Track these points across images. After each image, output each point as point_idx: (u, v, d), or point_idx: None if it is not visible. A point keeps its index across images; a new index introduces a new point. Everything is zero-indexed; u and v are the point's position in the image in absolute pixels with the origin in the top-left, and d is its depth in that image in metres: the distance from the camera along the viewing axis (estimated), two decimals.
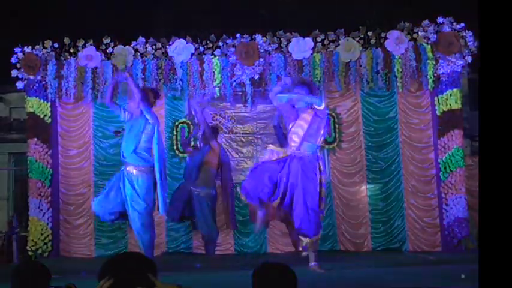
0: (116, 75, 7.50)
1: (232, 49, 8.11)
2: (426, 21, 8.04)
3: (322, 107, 5.99)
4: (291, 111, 6.08)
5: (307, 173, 5.90)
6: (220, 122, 8.81)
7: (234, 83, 8.22)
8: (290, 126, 6.06)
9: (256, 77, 8.10)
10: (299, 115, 6.02)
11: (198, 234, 8.55)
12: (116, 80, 6.94)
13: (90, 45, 8.37)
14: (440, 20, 7.94)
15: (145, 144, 6.54)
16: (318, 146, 6.14)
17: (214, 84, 8.22)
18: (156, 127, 6.56)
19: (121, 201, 6.55)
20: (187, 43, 8.23)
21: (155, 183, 6.49)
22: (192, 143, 8.46)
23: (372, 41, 8.08)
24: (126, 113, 6.80)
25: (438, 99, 8.11)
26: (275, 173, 5.91)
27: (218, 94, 8.35)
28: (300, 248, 6.20)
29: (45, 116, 8.52)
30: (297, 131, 5.97)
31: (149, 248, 6.52)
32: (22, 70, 8.35)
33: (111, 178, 6.93)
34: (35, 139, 8.46)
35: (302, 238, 5.96)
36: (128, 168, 6.52)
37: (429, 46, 7.97)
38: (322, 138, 6.15)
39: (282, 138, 7.25)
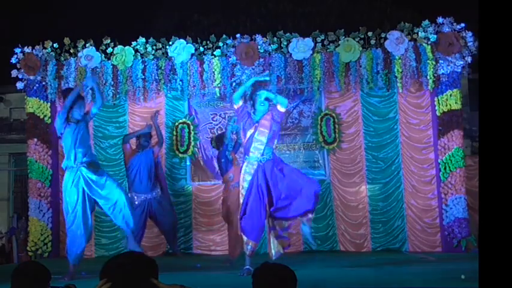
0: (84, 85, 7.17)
1: (232, 49, 8.11)
2: (426, 22, 8.05)
3: (284, 109, 5.97)
4: (249, 121, 5.99)
5: (282, 167, 5.89)
6: (220, 122, 8.81)
7: (234, 84, 8.22)
8: (249, 134, 5.93)
9: None
10: (259, 122, 5.94)
11: (198, 235, 8.57)
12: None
13: (90, 45, 8.37)
14: (440, 20, 7.95)
15: (85, 142, 6.31)
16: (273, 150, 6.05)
17: (214, 84, 8.22)
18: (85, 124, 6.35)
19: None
20: (187, 43, 8.23)
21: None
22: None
23: (372, 42, 8.09)
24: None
25: (438, 100, 8.11)
26: (262, 200, 5.83)
27: (218, 94, 8.35)
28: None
29: (45, 116, 8.53)
30: (260, 139, 5.88)
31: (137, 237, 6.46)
32: (22, 70, 8.36)
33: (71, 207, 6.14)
34: (35, 139, 8.46)
35: (308, 216, 5.86)
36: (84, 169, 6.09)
37: (429, 46, 7.97)
38: (276, 140, 6.10)
39: (225, 166, 7.30)
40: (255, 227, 5.84)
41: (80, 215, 5.93)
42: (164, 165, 8.65)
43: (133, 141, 7.82)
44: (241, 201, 5.88)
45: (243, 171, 5.95)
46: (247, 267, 5.80)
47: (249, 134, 5.91)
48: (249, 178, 5.85)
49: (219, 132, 8.35)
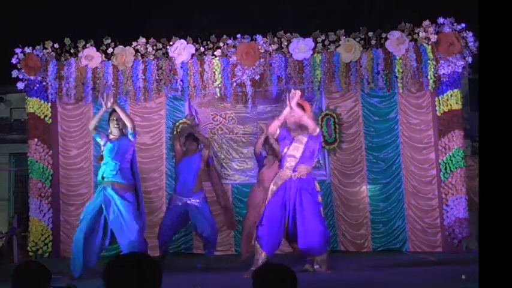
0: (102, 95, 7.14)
1: (233, 49, 8.11)
2: (427, 22, 8.04)
3: (317, 133, 6.01)
4: (287, 136, 6.07)
5: (306, 194, 5.91)
6: (220, 122, 8.81)
7: (235, 84, 8.22)
8: (285, 150, 6.03)
9: (257, 77, 8.10)
10: (294, 138, 6.03)
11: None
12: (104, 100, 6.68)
13: (91, 45, 8.38)
14: (440, 20, 7.95)
15: (127, 165, 6.36)
16: (312, 168, 6.12)
17: (215, 84, 8.22)
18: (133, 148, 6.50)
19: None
20: (187, 43, 8.23)
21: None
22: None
23: (373, 42, 8.09)
24: (103, 134, 6.53)
25: (439, 100, 8.11)
26: (282, 213, 5.90)
27: (219, 94, 8.35)
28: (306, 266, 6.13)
29: (45, 116, 8.54)
30: (293, 154, 5.97)
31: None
32: (23, 71, 8.37)
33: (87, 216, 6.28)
34: (36, 140, 8.47)
35: (308, 258, 5.98)
36: (113, 187, 6.19)
37: (430, 47, 7.97)
38: (316, 159, 6.14)
39: (261, 163, 7.26)
40: (270, 240, 5.89)
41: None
42: (165, 166, 8.66)
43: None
44: (262, 210, 6.01)
45: (273, 182, 6.03)
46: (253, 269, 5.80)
47: (285, 149, 6.01)
48: (274, 189, 5.94)
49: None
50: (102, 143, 6.39)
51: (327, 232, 6.00)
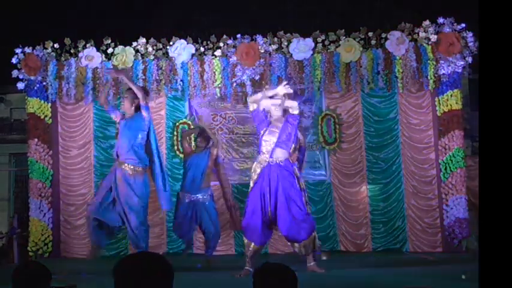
0: (109, 73, 7.51)
1: (233, 50, 8.11)
2: (427, 22, 8.05)
3: (297, 112, 5.98)
4: (263, 119, 6.05)
5: (285, 180, 5.86)
6: (220, 122, 8.81)
7: (235, 84, 8.23)
8: (262, 133, 6.01)
9: (257, 77, 8.11)
10: (271, 122, 6.01)
11: (199, 235, 8.55)
12: (111, 78, 6.88)
13: (91, 45, 8.38)
14: (440, 20, 7.95)
15: (141, 141, 6.52)
16: (290, 153, 6.05)
17: (215, 84, 8.23)
18: (151, 123, 6.60)
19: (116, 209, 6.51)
20: (187, 44, 8.24)
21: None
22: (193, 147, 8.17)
23: (373, 42, 8.09)
24: (118, 113, 6.77)
25: (439, 100, 8.12)
26: (263, 201, 5.86)
27: (219, 95, 8.35)
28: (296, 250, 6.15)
29: (45, 116, 8.54)
30: (269, 139, 5.94)
31: (147, 246, 6.53)
32: (23, 71, 8.37)
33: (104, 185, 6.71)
34: (36, 140, 8.47)
35: (291, 244, 5.98)
36: (123, 167, 6.47)
37: (430, 47, 7.98)
38: (293, 144, 6.05)
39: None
40: (255, 230, 5.86)
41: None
42: (165, 166, 8.66)
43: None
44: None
45: (252, 170, 6.01)
46: (247, 268, 5.81)
47: (262, 132, 6.01)
48: (255, 177, 5.90)
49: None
50: (117, 120, 6.67)
51: (309, 218, 5.91)
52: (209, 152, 7.66)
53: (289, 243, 7.40)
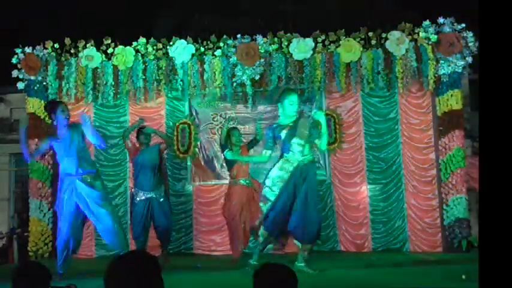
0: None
1: (233, 49, 8.11)
2: (427, 22, 8.04)
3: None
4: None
5: (310, 182, 5.96)
6: (220, 122, 8.81)
7: (235, 84, 8.23)
8: (284, 133, 6.05)
9: (257, 77, 8.10)
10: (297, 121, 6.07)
11: (199, 235, 8.57)
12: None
13: (91, 45, 8.38)
14: (441, 20, 7.95)
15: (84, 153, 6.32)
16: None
17: (215, 84, 8.22)
18: (80, 131, 6.20)
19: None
20: (188, 44, 8.23)
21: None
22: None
23: (373, 42, 8.09)
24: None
25: (439, 100, 8.12)
26: (292, 201, 5.94)
27: (219, 95, 8.35)
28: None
29: (45, 116, 8.51)
30: (300, 138, 6.00)
31: (125, 246, 6.38)
32: (23, 71, 8.37)
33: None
34: (36, 140, 8.46)
35: (295, 241, 6.04)
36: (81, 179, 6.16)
37: (430, 47, 7.97)
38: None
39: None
40: (278, 224, 5.96)
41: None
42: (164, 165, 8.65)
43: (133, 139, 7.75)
44: (267, 195, 5.99)
45: (277, 167, 6.00)
46: (255, 263, 5.95)
47: (284, 133, 6.01)
48: (286, 176, 5.92)
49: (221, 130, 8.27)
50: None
51: (318, 225, 6.02)
52: (158, 147, 7.56)
53: (291, 244, 7.45)
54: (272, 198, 5.95)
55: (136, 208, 7.38)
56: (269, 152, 6.16)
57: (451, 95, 8.01)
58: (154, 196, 7.39)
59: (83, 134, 6.15)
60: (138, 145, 7.57)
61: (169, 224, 7.51)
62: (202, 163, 8.79)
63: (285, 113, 6.10)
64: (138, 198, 7.40)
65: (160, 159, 7.53)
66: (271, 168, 6.11)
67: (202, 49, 8.26)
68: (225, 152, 7.27)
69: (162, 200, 7.44)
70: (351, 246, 8.44)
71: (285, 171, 5.95)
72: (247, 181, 7.40)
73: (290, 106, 6.03)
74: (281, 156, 6.07)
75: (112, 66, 8.32)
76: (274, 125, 6.22)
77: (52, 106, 6.28)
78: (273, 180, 5.97)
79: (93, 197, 6.09)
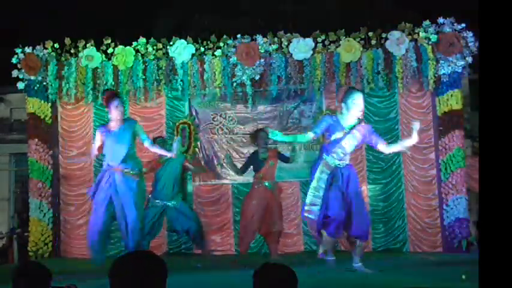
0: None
1: (233, 49, 8.11)
2: (427, 22, 8.04)
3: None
4: (336, 124, 6.08)
5: (355, 182, 6.06)
6: (220, 122, 8.81)
7: (235, 84, 8.23)
8: (334, 137, 6.01)
9: (257, 77, 8.11)
10: (350, 130, 6.03)
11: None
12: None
13: (91, 45, 8.38)
14: (441, 20, 7.94)
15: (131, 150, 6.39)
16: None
17: (215, 84, 8.23)
18: (134, 129, 6.39)
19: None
20: (188, 44, 8.24)
21: None
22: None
23: (373, 42, 8.09)
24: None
25: (439, 100, 8.12)
26: (342, 200, 5.96)
27: (219, 94, 8.35)
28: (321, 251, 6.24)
29: (45, 116, 8.54)
30: (350, 140, 6.02)
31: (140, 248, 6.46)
32: (23, 71, 8.37)
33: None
34: (36, 140, 8.47)
35: (358, 242, 6.04)
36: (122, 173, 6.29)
37: (430, 47, 7.97)
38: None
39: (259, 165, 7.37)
40: (341, 229, 6.01)
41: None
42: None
43: None
44: (311, 199, 5.97)
45: (318, 171, 6.01)
46: (331, 258, 6.15)
47: (333, 137, 6.00)
48: (325, 177, 5.95)
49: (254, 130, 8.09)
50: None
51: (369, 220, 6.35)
52: (182, 159, 7.63)
53: (291, 244, 7.43)
54: (318, 202, 5.95)
55: (147, 212, 7.25)
56: (312, 135, 6.07)
57: (451, 95, 8.01)
58: (171, 205, 7.41)
59: (136, 133, 6.32)
60: (157, 158, 7.48)
61: (195, 225, 7.49)
62: (202, 163, 8.79)
63: (349, 113, 5.99)
64: (150, 205, 7.39)
65: (182, 170, 7.60)
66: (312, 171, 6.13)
67: (202, 49, 8.26)
68: (271, 133, 6.96)
69: (179, 205, 7.46)
70: (351, 246, 8.41)
71: (325, 174, 5.98)
72: (270, 184, 7.38)
73: (354, 105, 5.95)
74: (320, 158, 6.09)
75: (112, 66, 8.33)
76: (334, 118, 6.10)
77: (107, 96, 6.36)
78: (317, 184, 5.99)
79: (127, 194, 6.16)
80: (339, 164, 5.98)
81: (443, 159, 8.06)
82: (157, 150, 6.66)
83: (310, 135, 6.08)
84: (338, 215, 5.90)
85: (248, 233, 7.33)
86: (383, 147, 6.20)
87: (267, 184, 7.33)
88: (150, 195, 7.48)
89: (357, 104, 5.93)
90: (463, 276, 5.05)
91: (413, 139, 6.08)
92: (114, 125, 6.32)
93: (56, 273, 2.88)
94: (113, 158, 6.24)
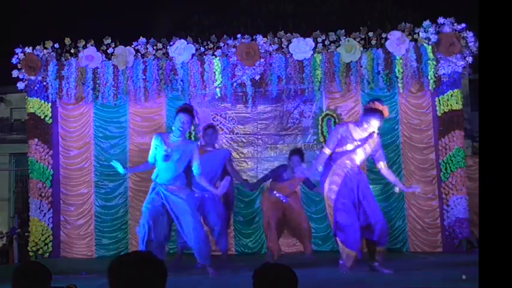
0: None
1: (233, 49, 8.11)
2: (427, 22, 8.04)
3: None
4: (349, 136, 6.04)
5: (368, 187, 6.08)
6: (221, 122, 8.81)
7: (235, 84, 8.22)
8: (350, 147, 5.98)
9: (257, 77, 8.10)
10: (362, 142, 6.00)
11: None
12: None
13: (91, 45, 8.38)
14: (441, 20, 7.94)
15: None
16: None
17: (215, 84, 8.22)
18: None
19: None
20: (188, 43, 8.23)
21: None
22: None
23: (373, 42, 8.08)
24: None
25: (439, 100, 8.11)
26: (355, 209, 5.95)
27: (219, 95, 8.35)
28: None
29: (46, 116, 8.53)
30: (359, 152, 6.00)
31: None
32: (23, 71, 8.36)
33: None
34: (36, 140, 8.47)
35: (378, 248, 6.00)
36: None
37: (430, 47, 7.97)
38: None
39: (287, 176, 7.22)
40: (356, 238, 5.91)
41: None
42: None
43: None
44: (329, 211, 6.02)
45: (329, 179, 6.00)
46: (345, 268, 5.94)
47: (343, 148, 5.98)
48: (335, 188, 5.95)
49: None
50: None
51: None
52: (227, 153, 7.35)
53: (291, 244, 7.41)
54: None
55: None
56: (328, 151, 6.06)
57: (451, 95, 8.02)
58: (208, 195, 6.92)
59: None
60: (203, 144, 7.10)
61: (223, 223, 7.15)
62: None
63: (364, 129, 5.97)
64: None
65: (223, 168, 7.09)
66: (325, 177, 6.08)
67: (202, 49, 8.25)
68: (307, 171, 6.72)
69: (215, 199, 7.00)
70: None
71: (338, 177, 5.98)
72: (283, 198, 7.21)
73: (370, 126, 5.93)
74: (327, 167, 6.05)
75: (112, 66, 8.32)
76: (345, 128, 6.04)
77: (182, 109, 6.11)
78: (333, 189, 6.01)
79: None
80: (348, 173, 5.96)
81: (443, 159, 8.06)
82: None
83: (326, 151, 6.05)
84: (356, 224, 5.89)
85: (269, 236, 7.20)
86: (381, 166, 6.14)
87: (283, 199, 7.18)
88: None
89: (372, 126, 5.92)
90: (463, 277, 5.06)
91: (403, 189, 6.39)
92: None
93: (56, 273, 2.88)
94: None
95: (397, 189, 6.54)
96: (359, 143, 5.97)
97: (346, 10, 13.23)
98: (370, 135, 5.97)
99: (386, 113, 5.96)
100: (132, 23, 12.16)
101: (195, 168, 5.93)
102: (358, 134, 5.97)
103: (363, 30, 8.12)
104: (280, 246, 7.43)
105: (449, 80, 7.97)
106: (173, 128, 5.94)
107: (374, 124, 5.89)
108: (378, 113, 5.88)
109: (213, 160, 6.93)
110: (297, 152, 7.33)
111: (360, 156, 5.99)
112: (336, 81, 8.15)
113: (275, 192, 7.23)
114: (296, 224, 7.27)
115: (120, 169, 6.01)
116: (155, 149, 5.93)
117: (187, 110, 5.97)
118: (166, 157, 5.83)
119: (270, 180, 7.40)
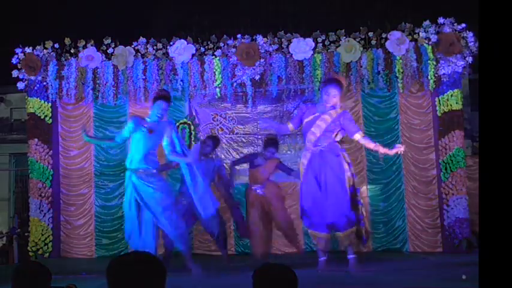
0: None
1: (233, 50, 8.11)
2: (427, 22, 8.04)
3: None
4: (309, 111, 6.20)
5: (333, 166, 5.99)
6: (220, 122, 8.81)
7: (235, 84, 8.22)
8: (305, 121, 6.14)
9: (257, 77, 8.10)
10: (319, 115, 6.10)
11: (199, 235, 8.55)
12: None
13: (91, 45, 8.38)
14: (441, 20, 7.94)
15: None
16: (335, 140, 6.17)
17: (215, 84, 8.22)
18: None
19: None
20: (188, 44, 8.23)
21: None
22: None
23: (373, 42, 8.08)
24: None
25: (439, 100, 8.11)
26: (319, 188, 5.96)
27: (219, 95, 8.35)
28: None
29: (46, 116, 8.53)
30: (315, 131, 6.05)
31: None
32: (23, 71, 8.37)
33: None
34: (36, 140, 8.47)
35: (336, 233, 6.02)
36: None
37: (430, 47, 7.97)
38: (340, 135, 6.20)
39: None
40: (321, 218, 5.93)
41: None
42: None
43: None
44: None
45: (301, 160, 6.18)
46: (322, 258, 6.05)
47: (305, 121, 6.14)
48: (302, 169, 6.08)
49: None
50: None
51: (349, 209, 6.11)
52: (217, 162, 7.27)
53: (291, 244, 7.41)
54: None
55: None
56: (291, 126, 6.49)
57: (451, 95, 8.01)
58: None
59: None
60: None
61: (222, 228, 7.15)
62: None
63: (323, 102, 6.17)
64: (183, 203, 6.89)
65: (219, 175, 7.19)
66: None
67: (202, 49, 8.25)
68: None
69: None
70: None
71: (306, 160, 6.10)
72: (259, 189, 7.07)
73: (325, 96, 6.11)
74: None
75: (112, 66, 8.32)
76: (309, 105, 6.39)
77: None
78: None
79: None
80: (314, 152, 6.01)
81: (443, 159, 8.06)
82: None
83: (289, 125, 6.38)
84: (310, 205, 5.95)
85: (254, 239, 7.10)
86: (358, 137, 6.17)
87: (258, 190, 7.04)
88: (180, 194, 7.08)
89: (332, 96, 6.05)
90: (463, 277, 5.06)
91: (387, 152, 6.17)
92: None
93: (56, 273, 2.88)
94: None
95: (381, 155, 6.42)
96: (318, 113, 6.09)
97: (346, 10, 13.23)
98: (332, 106, 6.09)
99: (342, 80, 6.34)
100: (132, 23, 12.15)
101: (165, 143, 6.10)
102: (320, 107, 6.15)
103: (363, 30, 8.12)
104: (267, 248, 7.15)
105: (449, 80, 7.97)
106: (150, 113, 6.17)
107: (332, 93, 6.05)
108: (333, 81, 6.16)
109: (207, 168, 6.93)
110: (273, 144, 7.25)
111: (320, 128, 6.03)
112: None
113: (251, 185, 7.12)
114: (278, 221, 7.07)
115: (85, 137, 6.42)
116: (128, 132, 6.12)
117: (166, 97, 6.20)
118: (142, 132, 6.01)
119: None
